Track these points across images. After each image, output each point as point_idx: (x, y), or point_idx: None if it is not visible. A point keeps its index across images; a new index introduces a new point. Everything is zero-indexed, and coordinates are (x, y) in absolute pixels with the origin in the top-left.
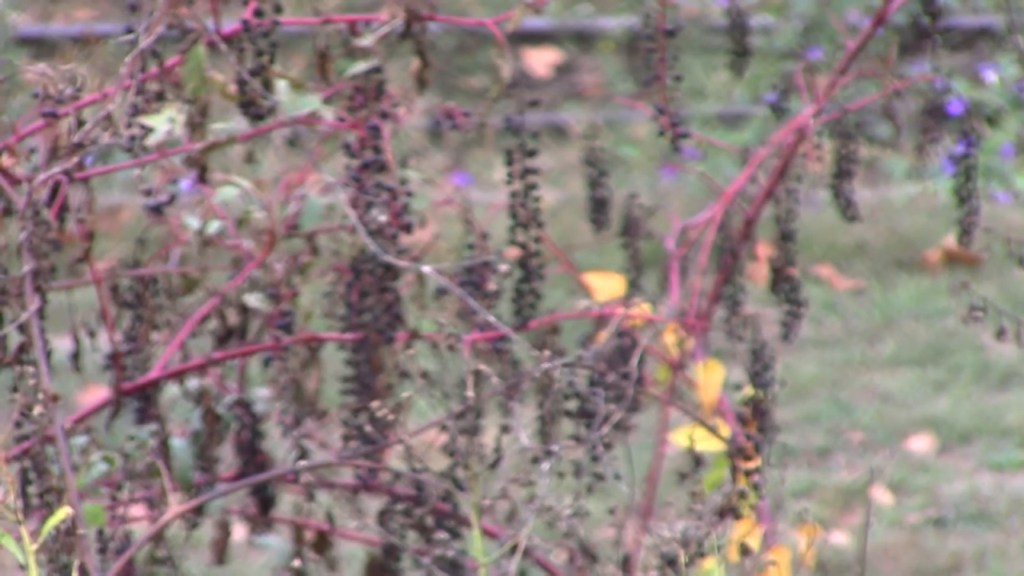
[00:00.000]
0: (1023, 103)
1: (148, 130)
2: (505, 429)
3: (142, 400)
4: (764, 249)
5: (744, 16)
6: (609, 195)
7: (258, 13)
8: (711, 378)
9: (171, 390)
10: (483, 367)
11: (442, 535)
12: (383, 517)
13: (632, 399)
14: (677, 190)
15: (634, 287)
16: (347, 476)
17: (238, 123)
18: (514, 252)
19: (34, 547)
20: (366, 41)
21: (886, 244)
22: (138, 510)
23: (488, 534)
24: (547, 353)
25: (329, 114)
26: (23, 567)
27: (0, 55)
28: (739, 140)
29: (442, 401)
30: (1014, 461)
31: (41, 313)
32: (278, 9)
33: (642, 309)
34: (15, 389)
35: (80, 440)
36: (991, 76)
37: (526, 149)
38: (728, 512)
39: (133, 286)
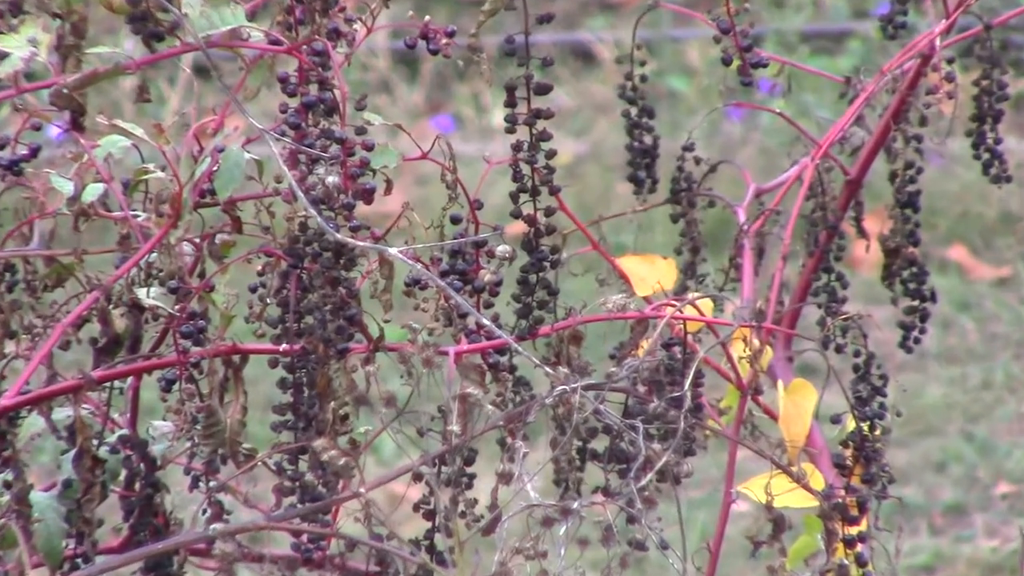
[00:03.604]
0: None
1: (0, 56)
2: (505, 478)
3: None
4: (873, 223)
5: None
6: (654, 145)
7: None
8: (798, 406)
9: (33, 423)
10: (474, 390)
11: None
12: None
13: (685, 436)
14: (749, 138)
15: (689, 276)
16: (282, 545)
17: (128, 46)
18: (518, 227)
19: None
20: None
21: None
22: None
23: None
24: (564, 370)
25: (257, 33)
26: None
27: None
28: (836, 68)
29: (416, 439)
30: None
31: None
32: None
33: (700, 307)
34: None
35: None
36: None
37: (535, 82)
38: None
39: None
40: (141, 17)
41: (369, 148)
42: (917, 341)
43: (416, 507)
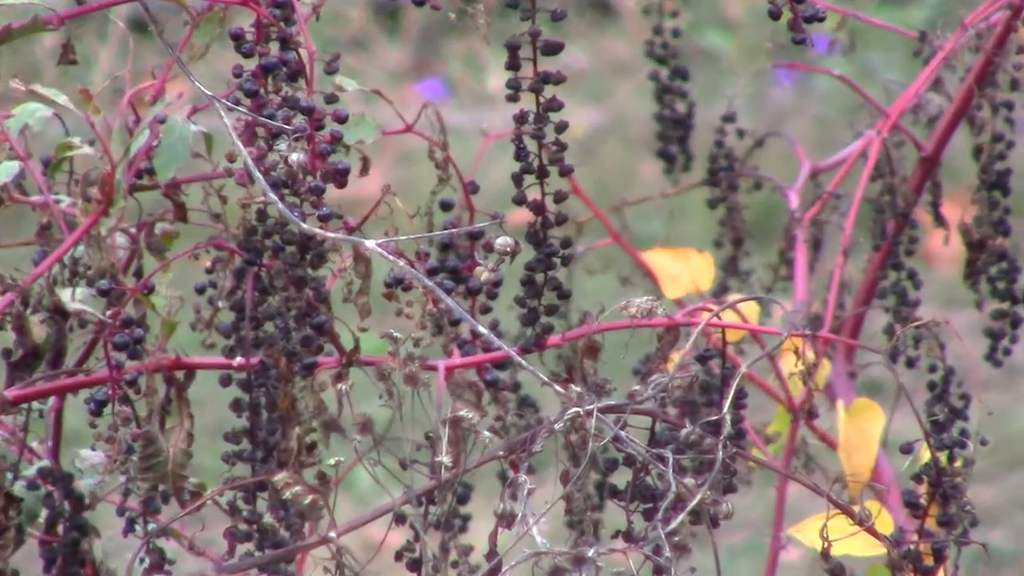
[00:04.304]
0: None
1: None
2: (506, 519)
3: None
4: (953, 209)
5: None
6: (688, 114)
7: None
8: (862, 432)
9: None
10: (468, 413)
11: None
12: None
13: (724, 468)
14: (802, 107)
15: (730, 273)
16: None
17: None
18: (522, 215)
19: None
20: None
21: None
22: None
23: None
24: (578, 389)
25: None
26: None
27: None
28: (908, 21)
29: (398, 472)
30: None
31: None
32: None
33: (743, 312)
34: None
35: None
36: None
37: (542, 40)
38: None
39: None
40: None
41: (342, 119)
42: (1007, 352)
43: (398, 555)
